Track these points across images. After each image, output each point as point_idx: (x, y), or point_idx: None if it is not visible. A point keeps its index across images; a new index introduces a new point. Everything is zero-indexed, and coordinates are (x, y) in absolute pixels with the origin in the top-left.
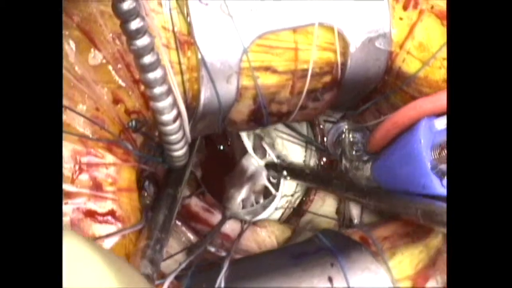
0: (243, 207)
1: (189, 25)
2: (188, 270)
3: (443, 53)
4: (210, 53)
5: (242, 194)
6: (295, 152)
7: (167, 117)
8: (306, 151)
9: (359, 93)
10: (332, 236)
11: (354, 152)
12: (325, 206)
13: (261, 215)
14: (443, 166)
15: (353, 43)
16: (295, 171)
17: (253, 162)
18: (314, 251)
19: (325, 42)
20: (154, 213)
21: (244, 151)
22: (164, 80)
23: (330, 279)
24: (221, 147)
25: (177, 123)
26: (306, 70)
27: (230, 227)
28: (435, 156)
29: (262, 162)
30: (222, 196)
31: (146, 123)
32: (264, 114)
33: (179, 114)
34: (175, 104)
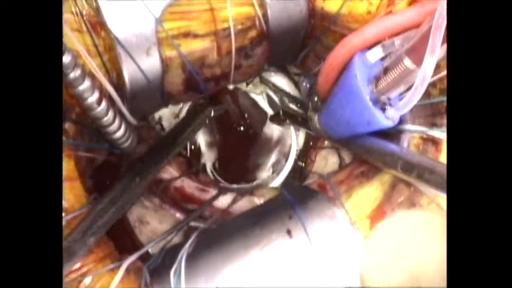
0: (273, 172)
1: (96, 5)
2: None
3: None
4: (122, 29)
5: (272, 159)
6: None
7: (90, 100)
8: None
9: (291, 42)
10: (293, 189)
11: (316, 100)
12: (328, 165)
13: (283, 172)
14: (384, 98)
15: None
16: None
17: (276, 127)
18: (275, 207)
19: None
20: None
21: (264, 120)
22: (75, 64)
23: (289, 232)
24: (241, 128)
25: (103, 104)
26: (228, 28)
27: (225, 200)
28: (373, 89)
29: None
30: (244, 172)
31: (74, 110)
32: (199, 81)
33: (103, 96)
34: (95, 86)
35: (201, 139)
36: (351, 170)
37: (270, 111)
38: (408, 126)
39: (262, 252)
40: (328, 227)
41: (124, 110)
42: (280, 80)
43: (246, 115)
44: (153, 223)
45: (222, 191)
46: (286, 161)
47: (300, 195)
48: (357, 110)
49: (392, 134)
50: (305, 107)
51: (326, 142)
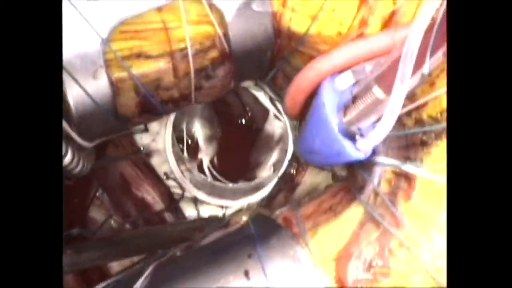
0: (274, 171)
1: None
2: None
3: (331, 4)
4: (65, 50)
5: (273, 158)
6: None
7: None
8: None
9: (259, 62)
10: (260, 220)
11: None
12: (321, 174)
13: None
14: (354, 128)
15: (227, 12)
16: None
17: (278, 124)
18: (236, 242)
19: (197, 15)
20: None
21: (265, 116)
22: None
23: (246, 273)
24: (243, 121)
25: None
26: (185, 48)
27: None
28: (343, 118)
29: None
30: (244, 169)
31: None
32: (155, 103)
33: None
34: None
35: (199, 132)
36: (320, 203)
37: (272, 108)
38: (381, 159)
39: None
40: (289, 269)
41: (73, 134)
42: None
43: (248, 109)
44: None
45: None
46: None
47: (264, 229)
48: (327, 141)
49: (365, 166)
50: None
51: None
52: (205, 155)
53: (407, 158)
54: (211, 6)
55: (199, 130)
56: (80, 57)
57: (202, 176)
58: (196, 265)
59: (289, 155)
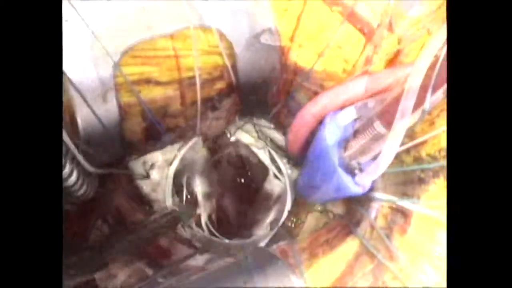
0: (271, 229)
1: None
2: None
3: (337, 41)
4: (78, 71)
5: (270, 216)
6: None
7: None
8: None
9: (263, 96)
10: (257, 253)
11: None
12: (318, 225)
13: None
14: (354, 163)
15: (236, 42)
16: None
17: (277, 183)
18: (234, 271)
19: (207, 45)
20: None
21: (265, 175)
22: None
23: None
24: (242, 180)
25: None
26: (193, 77)
27: (204, 259)
28: (343, 153)
29: (287, 180)
30: (241, 227)
31: None
32: (161, 131)
33: None
34: None
35: (199, 188)
36: (317, 236)
37: (272, 167)
38: (379, 194)
39: None
40: None
41: (79, 156)
42: (276, 136)
43: (247, 168)
44: (121, 276)
45: (199, 250)
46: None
47: (261, 259)
48: (327, 175)
49: (363, 201)
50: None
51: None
52: (204, 211)
53: (404, 195)
54: (221, 36)
55: (199, 186)
56: (91, 79)
57: (200, 230)
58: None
59: (285, 213)
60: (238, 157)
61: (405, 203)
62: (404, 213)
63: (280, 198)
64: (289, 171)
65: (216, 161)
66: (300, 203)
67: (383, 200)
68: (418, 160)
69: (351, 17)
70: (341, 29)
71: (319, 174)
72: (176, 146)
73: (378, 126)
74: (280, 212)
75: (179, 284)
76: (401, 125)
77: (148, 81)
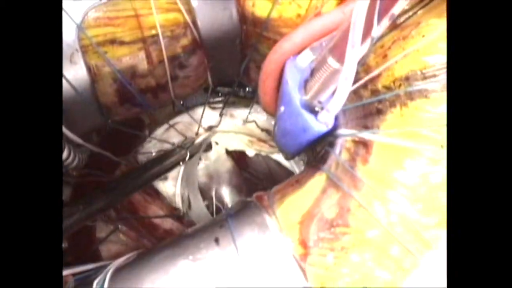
0: None
1: None
2: None
3: None
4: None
5: None
6: None
7: None
8: None
9: (229, 51)
10: (234, 201)
11: None
12: None
13: None
14: (315, 102)
15: None
16: None
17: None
18: (210, 220)
19: (166, 2)
20: None
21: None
22: None
23: (217, 240)
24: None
25: None
26: (156, 35)
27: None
28: (304, 95)
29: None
30: None
31: None
32: (134, 92)
33: None
34: None
35: (228, 199)
36: (289, 180)
37: (296, 170)
38: (341, 130)
39: (188, 261)
40: (256, 235)
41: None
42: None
43: (273, 174)
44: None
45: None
46: None
47: (237, 206)
48: (293, 118)
49: (329, 141)
50: None
51: None
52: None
53: (365, 127)
54: None
55: (228, 196)
56: None
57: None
58: (170, 240)
59: None
60: (264, 164)
61: (365, 135)
62: (365, 144)
63: None
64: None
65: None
66: None
67: (345, 135)
68: (375, 92)
69: None
70: None
71: (287, 119)
72: None
73: (332, 62)
74: None
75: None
76: (353, 57)
77: (112, 42)
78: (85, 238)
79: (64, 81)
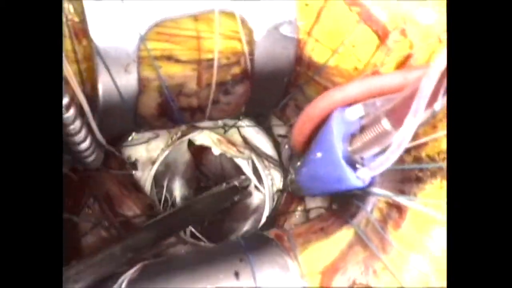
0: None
1: (82, 11)
2: None
3: (352, 40)
4: (104, 40)
5: (246, 226)
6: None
7: None
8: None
9: (273, 86)
10: (249, 236)
11: (299, 163)
12: None
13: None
14: (357, 157)
15: (257, 30)
16: None
17: (257, 195)
18: (227, 250)
19: (229, 30)
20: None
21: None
22: None
23: (237, 274)
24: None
25: (72, 111)
26: (212, 60)
27: (185, 251)
28: (348, 147)
29: (267, 192)
30: (217, 233)
31: None
32: (174, 109)
33: (72, 103)
34: (66, 92)
35: (177, 192)
36: (311, 225)
37: (253, 179)
38: (376, 189)
39: None
40: (277, 276)
41: (93, 123)
42: (262, 141)
43: (227, 178)
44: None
45: (181, 240)
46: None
47: (255, 242)
48: (330, 167)
49: (359, 195)
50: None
51: (298, 209)
52: None
53: (401, 192)
54: (243, 23)
55: (178, 189)
56: (117, 49)
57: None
58: (187, 263)
59: (263, 220)
60: (219, 166)
61: (401, 199)
62: (399, 209)
63: (258, 208)
64: (269, 182)
65: (198, 166)
66: (279, 210)
67: (380, 194)
68: (417, 160)
69: (368, 18)
70: (357, 28)
71: (322, 165)
72: (161, 145)
73: (386, 124)
74: (257, 221)
75: (168, 259)
76: (412, 125)
77: (169, 58)
78: (68, 231)
79: (112, 85)
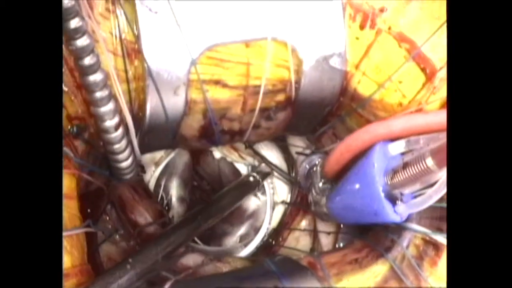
0: (240, 242)
1: (136, 32)
2: None
3: (399, 76)
4: (157, 62)
5: (241, 230)
6: (281, 189)
7: (109, 123)
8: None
9: (315, 114)
10: (280, 261)
11: (321, 185)
12: (299, 246)
13: (251, 245)
14: (397, 192)
15: (307, 60)
16: None
17: (254, 200)
18: (260, 274)
19: (279, 58)
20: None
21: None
22: (105, 84)
23: None
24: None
25: (120, 131)
26: (258, 86)
27: (193, 260)
28: (388, 181)
29: (264, 199)
30: (210, 235)
31: (88, 130)
32: (215, 131)
33: (121, 122)
34: (117, 111)
35: (174, 191)
36: (344, 255)
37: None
38: (413, 225)
39: None
40: None
41: (135, 142)
42: (269, 152)
43: (224, 184)
44: None
45: (190, 249)
46: (255, 234)
47: (287, 268)
48: (368, 199)
49: (394, 228)
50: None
51: (302, 223)
52: (176, 212)
53: (438, 229)
54: (294, 52)
55: (174, 189)
56: (168, 72)
57: None
58: (220, 285)
59: (264, 230)
60: (217, 169)
61: (438, 237)
62: (436, 246)
63: (254, 214)
64: (271, 191)
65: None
66: (283, 222)
67: (417, 231)
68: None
69: (417, 56)
70: (405, 65)
71: (360, 197)
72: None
73: (430, 163)
74: (253, 227)
75: (199, 281)
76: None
77: (217, 82)
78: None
79: (160, 106)
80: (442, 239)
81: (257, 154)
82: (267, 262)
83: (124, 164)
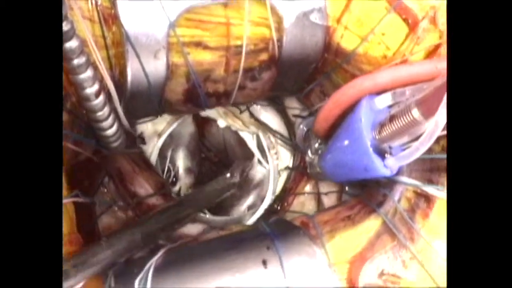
0: (248, 211)
1: None
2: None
3: (382, 28)
4: (135, 26)
5: (248, 201)
6: (284, 155)
7: (89, 90)
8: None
9: (300, 72)
10: (274, 222)
11: (317, 145)
12: (304, 210)
13: (257, 213)
14: (385, 146)
15: (287, 17)
16: None
17: (260, 170)
18: (253, 236)
19: (258, 17)
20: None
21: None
22: (81, 51)
23: (264, 262)
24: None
25: (101, 98)
26: (240, 46)
27: (197, 230)
28: (376, 135)
29: (270, 167)
30: (217, 206)
31: (70, 99)
32: (200, 94)
33: (102, 89)
34: (96, 78)
35: (180, 163)
36: (337, 213)
37: (257, 153)
38: (403, 178)
39: (234, 278)
40: (305, 264)
41: (119, 109)
42: (270, 119)
43: (229, 154)
44: None
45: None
46: (261, 202)
47: (280, 229)
48: (357, 154)
49: (385, 183)
50: (298, 149)
51: (306, 188)
52: (183, 184)
53: (429, 181)
54: (273, 10)
55: (181, 160)
56: (147, 36)
57: None
58: (213, 251)
59: (268, 200)
60: (222, 139)
61: (429, 189)
62: (427, 198)
63: (260, 183)
64: (274, 157)
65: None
66: (288, 188)
67: (408, 184)
68: (446, 149)
69: (398, 7)
70: (387, 17)
71: (349, 153)
72: (167, 118)
73: (416, 114)
74: (259, 196)
75: (194, 245)
76: (443, 115)
77: (197, 45)
78: (84, 212)
79: (141, 71)
80: (433, 190)
81: (256, 119)
82: (261, 225)
83: (110, 132)
